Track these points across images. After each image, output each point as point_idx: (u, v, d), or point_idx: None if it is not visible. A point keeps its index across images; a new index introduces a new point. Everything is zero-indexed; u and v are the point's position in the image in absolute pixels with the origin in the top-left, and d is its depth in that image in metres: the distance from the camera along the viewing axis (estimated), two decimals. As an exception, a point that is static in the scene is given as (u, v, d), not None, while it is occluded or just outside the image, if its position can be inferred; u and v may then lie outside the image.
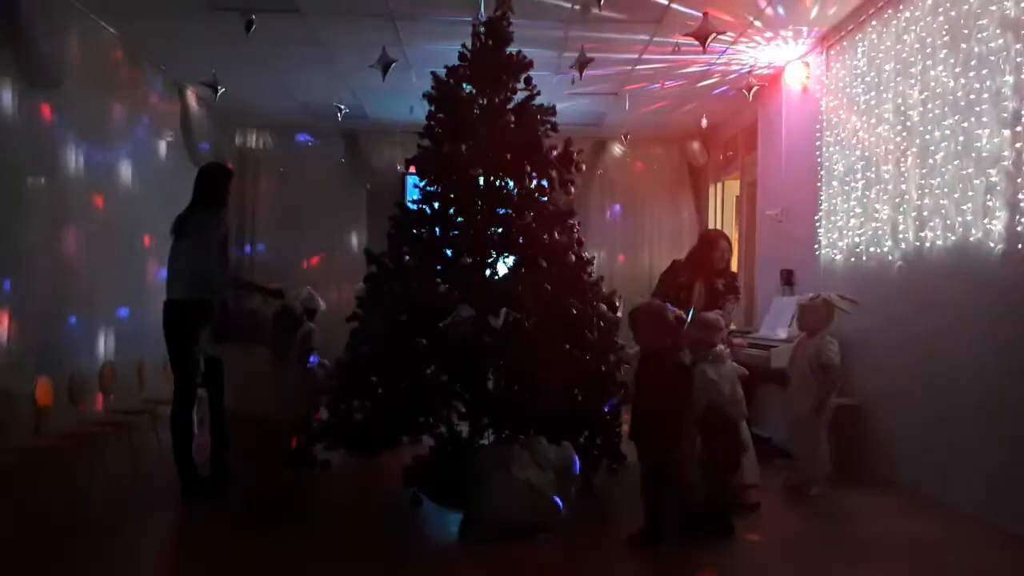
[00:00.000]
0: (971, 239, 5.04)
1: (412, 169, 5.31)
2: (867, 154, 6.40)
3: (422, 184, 5.20)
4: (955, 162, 5.21)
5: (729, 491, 4.67)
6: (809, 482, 5.37)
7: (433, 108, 5.21)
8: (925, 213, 5.54)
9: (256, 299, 6.07)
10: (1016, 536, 4.46)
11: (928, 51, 5.56)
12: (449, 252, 5.08)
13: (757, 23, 6.92)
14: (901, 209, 5.86)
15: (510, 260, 5.09)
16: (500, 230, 5.06)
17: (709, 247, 6.22)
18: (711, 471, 4.53)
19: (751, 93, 7.57)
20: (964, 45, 5.15)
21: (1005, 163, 4.73)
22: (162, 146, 8.60)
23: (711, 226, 11.24)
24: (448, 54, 5.33)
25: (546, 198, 5.17)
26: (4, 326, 5.67)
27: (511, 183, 5.13)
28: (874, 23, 6.35)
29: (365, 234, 11.11)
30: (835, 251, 6.92)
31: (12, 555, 4.13)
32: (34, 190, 6.17)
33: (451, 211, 5.12)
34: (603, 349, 5.10)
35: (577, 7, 6.33)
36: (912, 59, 5.75)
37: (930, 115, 5.51)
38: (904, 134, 5.84)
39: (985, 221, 4.90)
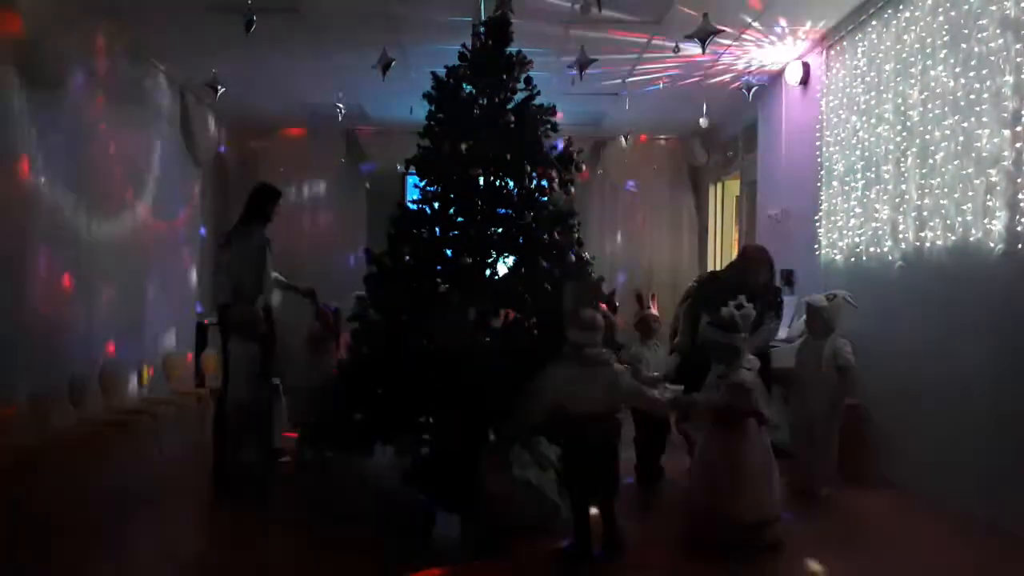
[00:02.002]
0: (971, 239, 5.04)
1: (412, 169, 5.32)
2: (867, 154, 6.40)
3: (422, 184, 5.20)
4: (955, 162, 5.21)
5: (609, 512, 4.19)
6: (820, 483, 5.32)
7: (433, 108, 5.20)
8: (925, 213, 5.54)
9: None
10: (1017, 536, 4.45)
11: (928, 51, 5.56)
12: (449, 252, 5.08)
13: (757, 24, 6.93)
14: (901, 209, 5.86)
15: (510, 260, 5.09)
16: (500, 230, 5.06)
17: (754, 267, 5.67)
18: (569, 485, 4.28)
19: (751, 93, 7.57)
20: (964, 45, 5.15)
21: (1005, 163, 4.73)
22: (162, 146, 8.59)
23: (711, 226, 11.26)
24: (448, 54, 5.32)
25: (546, 198, 5.17)
26: (5, 326, 5.67)
27: (511, 183, 5.12)
28: (874, 23, 6.35)
29: (365, 234, 11.12)
30: (835, 251, 6.92)
31: (12, 555, 4.12)
32: (34, 190, 6.16)
33: (451, 211, 5.12)
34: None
35: (577, 7, 6.33)
36: (912, 59, 5.75)
37: (930, 115, 5.51)
38: (904, 134, 5.84)
39: (985, 221, 4.90)
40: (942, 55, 5.39)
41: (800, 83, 7.72)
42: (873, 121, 6.31)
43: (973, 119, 5.03)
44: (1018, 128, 4.64)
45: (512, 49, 5.23)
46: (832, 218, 7.02)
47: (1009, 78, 4.73)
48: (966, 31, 5.13)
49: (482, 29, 5.25)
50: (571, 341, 4.15)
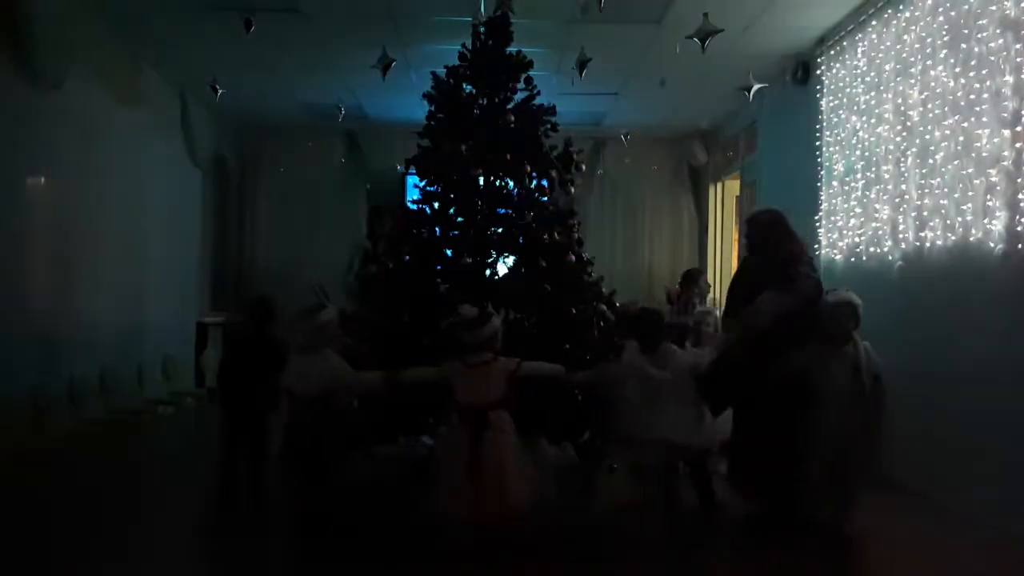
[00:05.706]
0: (971, 239, 5.04)
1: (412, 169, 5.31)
2: (867, 154, 6.40)
3: (422, 184, 5.20)
4: (955, 162, 5.21)
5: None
6: (849, 511, 4.53)
7: (433, 108, 5.21)
8: (925, 213, 5.54)
9: None
10: (1018, 536, 4.45)
11: (928, 51, 5.56)
12: (449, 252, 5.08)
13: (756, 23, 6.92)
14: (901, 209, 5.86)
15: (510, 260, 5.09)
16: (500, 230, 5.06)
17: (762, 232, 5.28)
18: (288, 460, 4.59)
19: (751, 93, 7.56)
20: (964, 45, 5.15)
21: (1005, 163, 4.73)
22: (162, 146, 8.59)
23: (711, 226, 11.25)
24: (448, 54, 5.33)
25: (546, 198, 5.17)
26: (5, 325, 5.67)
27: (511, 183, 5.13)
28: (874, 23, 6.35)
29: (365, 234, 11.11)
30: (835, 251, 6.92)
31: (12, 555, 4.12)
32: (34, 190, 6.17)
33: (451, 211, 5.12)
34: (603, 349, 5.10)
35: (578, 6, 6.33)
36: (912, 59, 5.75)
37: (930, 115, 5.50)
38: (904, 134, 5.84)
39: (985, 221, 4.90)
40: (942, 55, 5.39)
41: (800, 83, 7.71)
42: (873, 121, 6.31)
43: (973, 119, 5.02)
44: (1018, 128, 4.64)
45: (512, 49, 5.23)
46: (832, 218, 7.02)
47: (1009, 78, 4.72)
48: (966, 31, 5.13)
49: (482, 29, 5.25)
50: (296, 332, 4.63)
